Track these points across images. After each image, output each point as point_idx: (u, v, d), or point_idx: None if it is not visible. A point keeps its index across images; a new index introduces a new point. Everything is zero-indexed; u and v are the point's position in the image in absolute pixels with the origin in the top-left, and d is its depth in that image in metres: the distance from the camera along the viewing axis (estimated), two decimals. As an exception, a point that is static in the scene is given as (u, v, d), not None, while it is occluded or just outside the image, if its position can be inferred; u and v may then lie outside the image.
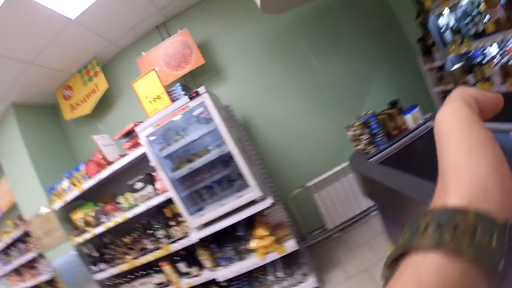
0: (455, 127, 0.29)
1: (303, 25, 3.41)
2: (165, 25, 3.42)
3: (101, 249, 3.24)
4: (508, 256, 0.23)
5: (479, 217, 0.24)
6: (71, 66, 3.44)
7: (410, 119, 2.13)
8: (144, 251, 3.05)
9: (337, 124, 2.54)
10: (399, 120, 2.14)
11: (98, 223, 3.11)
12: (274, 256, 2.49)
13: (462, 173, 0.27)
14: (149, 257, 2.98)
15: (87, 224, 3.15)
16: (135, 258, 3.05)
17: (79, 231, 3.16)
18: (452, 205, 0.26)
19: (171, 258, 2.95)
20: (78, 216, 3.17)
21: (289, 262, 2.80)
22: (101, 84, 3.45)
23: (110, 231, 3.14)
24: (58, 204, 3.12)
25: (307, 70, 3.45)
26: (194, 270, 2.89)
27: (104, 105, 3.64)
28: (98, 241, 3.29)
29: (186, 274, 2.93)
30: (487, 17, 2.30)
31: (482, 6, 2.34)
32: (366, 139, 2.06)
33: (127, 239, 3.14)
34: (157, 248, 2.95)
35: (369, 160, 2.00)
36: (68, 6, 2.50)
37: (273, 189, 3.18)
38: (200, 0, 3.35)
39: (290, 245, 2.47)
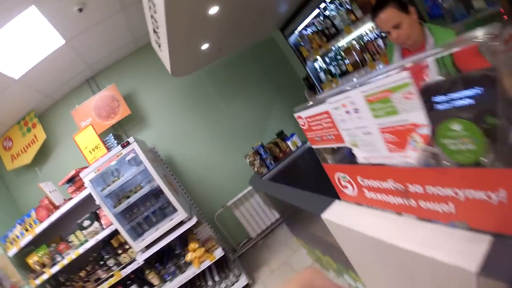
0: None
1: (211, 75, 4.73)
2: (94, 79, 4.40)
3: (59, 288, 4.03)
4: None
5: None
6: (10, 118, 4.28)
7: (290, 144, 3.31)
8: (99, 281, 3.92)
9: (243, 153, 3.67)
10: (283, 145, 3.30)
11: (53, 263, 3.91)
12: (207, 263, 3.52)
13: None
14: (105, 286, 3.84)
15: (43, 265, 3.96)
16: (92, 289, 3.92)
17: (36, 273, 3.93)
18: None
19: (124, 283, 3.87)
20: (33, 260, 3.94)
21: (222, 267, 3.87)
22: (39, 134, 4.31)
23: (64, 269, 3.89)
24: (13, 250, 3.85)
25: (216, 112, 4.75)
26: None
27: (43, 154, 4.46)
28: (54, 283, 4.00)
29: (139, 295, 3.86)
30: (346, 61, 3.57)
31: (343, 53, 3.60)
32: (258, 163, 3.20)
33: (82, 273, 3.97)
34: (111, 276, 3.84)
35: (262, 179, 3.12)
36: (11, 66, 3.25)
37: (199, 211, 4.26)
38: (124, 56, 4.40)
39: (219, 252, 3.54)
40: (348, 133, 1.16)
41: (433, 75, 1.70)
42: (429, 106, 0.87)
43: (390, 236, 1.14)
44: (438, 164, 0.93)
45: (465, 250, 0.85)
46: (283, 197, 2.35)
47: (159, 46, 3.00)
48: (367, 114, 1.01)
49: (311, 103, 1.25)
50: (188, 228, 3.64)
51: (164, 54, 3.06)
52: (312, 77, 4.26)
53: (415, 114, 0.88)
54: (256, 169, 3.24)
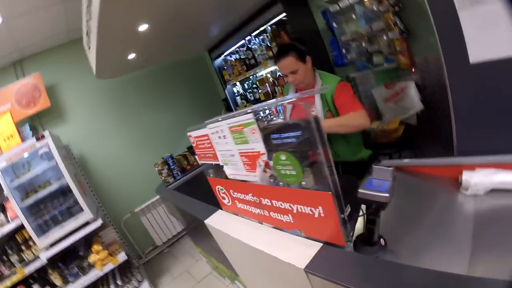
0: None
1: (136, 81, 4.82)
2: (21, 64, 4.20)
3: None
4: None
5: None
6: None
7: (198, 159, 3.56)
8: (1, 277, 3.70)
9: (156, 160, 3.81)
10: (191, 159, 3.54)
11: None
12: (110, 266, 3.54)
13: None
14: (7, 283, 3.61)
15: None
16: (-7, 286, 3.68)
17: None
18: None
19: (27, 282, 3.69)
20: None
21: (125, 272, 3.91)
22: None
23: None
24: None
25: (134, 118, 4.83)
26: None
27: None
28: None
29: (42, 295, 3.72)
30: (260, 90, 3.96)
31: (258, 83, 3.99)
32: (166, 172, 3.39)
33: None
34: (14, 273, 3.64)
35: (167, 187, 3.31)
36: None
37: (106, 215, 4.23)
38: (54, 46, 4.31)
39: (122, 256, 3.58)
40: (221, 153, 1.44)
41: (318, 109, 2.10)
42: (268, 141, 1.17)
43: (249, 239, 1.43)
44: (277, 184, 1.24)
45: (300, 252, 1.14)
46: (179, 204, 2.58)
47: (89, 48, 3.08)
48: (231, 141, 1.30)
49: (198, 125, 1.52)
50: (94, 231, 3.63)
51: (91, 56, 3.14)
52: (229, 99, 4.65)
53: (258, 144, 1.18)
54: (163, 177, 3.43)
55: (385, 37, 2.74)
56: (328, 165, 0.97)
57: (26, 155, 3.46)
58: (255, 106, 1.18)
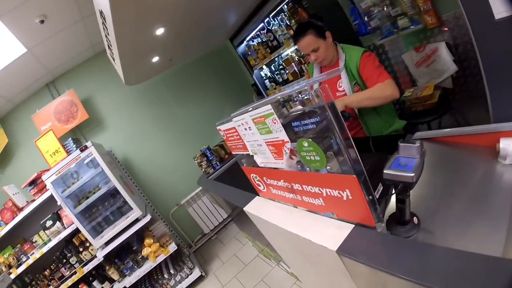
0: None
1: (166, 80, 4.95)
2: (53, 84, 4.49)
3: (25, 288, 4.14)
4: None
5: None
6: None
7: None
8: (62, 279, 4.07)
9: (194, 154, 3.83)
10: (228, 148, 3.59)
11: (19, 263, 4.02)
12: (162, 257, 3.77)
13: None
14: (68, 283, 3.98)
15: (9, 266, 4.06)
16: (57, 287, 4.07)
17: (2, 275, 4.04)
18: None
19: (87, 280, 4.04)
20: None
21: (177, 261, 4.14)
22: (1, 138, 4.39)
23: (29, 270, 3.97)
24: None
25: (170, 115, 4.98)
26: (106, 285, 4.04)
27: (4, 157, 4.52)
28: (20, 283, 4.11)
29: (102, 289, 4.06)
30: (287, 71, 3.91)
31: (283, 64, 3.94)
32: (205, 164, 3.49)
33: (46, 272, 4.10)
34: (74, 273, 4.00)
35: (208, 178, 3.41)
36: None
37: (154, 209, 4.50)
38: (82, 61, 4.53)
39: (172, 247, 3.81)
40: (249, 144, 1.46)
41: (345, 84, 2.07)
42: (290, 129, 1.18)
43: (284, 223, 1.47)
44: (304, 169, 1.25)
45: (332, 235, 1.16)
46: (220, 194, 2.66)
47: (113, 59, 3.19)
48: (256, 131, 1.32)
49: (225, 119, 1.55)
50: (144, 226, 3.88)
51: (117, 66, 3.26)
52: (258, 84, 4.64)
53: (281, 133, 1.19)
54: (203, 169, 3.54)
55: (406, -3, 2.58)
56: (350, 148, 0.96)
57: (73, 166, 3.70)
58: (278, 95, 1.18)
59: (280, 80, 4.15)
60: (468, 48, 2.55)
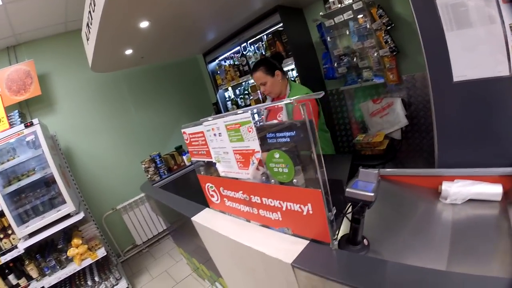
0: None
1: (128, 78, 4.82)
2: (15, 49, 4.14)
3: None
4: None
5: None
6: None
7: (186, 159, 3.58)
8: None
9: (141, 159, 3.64)
10: (179, 159, 3.55)
11: None
12: (89, 261, 3.49)
13: None
14: None
15: None
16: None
17: None
18: None
19: (2, 271, 3.58)
20: None
21: (103, 269, 3.86)
22: None
23: None
24: None
25: (125, 114, 4.82)
26: (23, 281, 3.62)
27: None
28: None
29: (17, 286, 3.62)
30: (251, 97, 4.02)
31: (250, 89, 4.06)
32: (152, 170, 3.39)
33: None
34: None
35: (153, 185, 3.31)
36: None
37: (88, 209, 4.15)
38: (51, 35, 4.27)
39: (101, 252, 3.53)
40: (214, 150, 1.48)
41: (284, 116, 2.25)
42: (263, 139, 1.22)
43: (236, 235, 1.47)
44: (268, 181, 1.29)
45: (287, 248, 1.19)
46: (164, 201, 2.59)
47: (87, 40, 3.07)
48: (226, 138, 1.34)
49: (193, 123, 1.56)
50: (74, 224, 3.60)
51: (89, 48, 3.13)
52: (220, 103, 4.70)
53: (253, 142, 1.23)
54: (149, 175, 3.43)
55: (375, 54, 2.86)
56: (319, 164, 1.03)
57: (13, 140, 3.39)
58: (245, 109, 1.23)
59: (243, 104, 4.24)
60: (420, 107, 2.85)
